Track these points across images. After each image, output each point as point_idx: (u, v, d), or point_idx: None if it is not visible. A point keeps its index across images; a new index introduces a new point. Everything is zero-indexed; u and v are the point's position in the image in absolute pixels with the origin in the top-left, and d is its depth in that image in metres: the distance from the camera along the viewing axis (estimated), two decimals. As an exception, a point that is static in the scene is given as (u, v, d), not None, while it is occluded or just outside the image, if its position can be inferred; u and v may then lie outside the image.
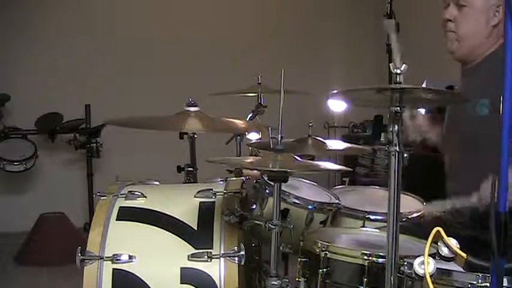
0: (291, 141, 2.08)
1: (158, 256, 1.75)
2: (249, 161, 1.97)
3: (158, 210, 1.84)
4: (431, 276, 1.23)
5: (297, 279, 1.72)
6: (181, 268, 1.70)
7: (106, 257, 1.72)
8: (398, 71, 1.27)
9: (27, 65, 4.84)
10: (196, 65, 5.08)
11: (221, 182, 2.03)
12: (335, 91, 1.36)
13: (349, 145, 2.41)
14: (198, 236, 1.76)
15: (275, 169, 1.60)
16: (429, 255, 1.24)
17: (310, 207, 2.02)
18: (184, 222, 1.79)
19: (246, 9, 5.40)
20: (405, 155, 1.30)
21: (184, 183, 2.46)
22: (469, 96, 1.73)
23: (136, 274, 1.70)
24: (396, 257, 1.31)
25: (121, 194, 1.91)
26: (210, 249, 1.73)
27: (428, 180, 2.24)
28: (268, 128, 1.84)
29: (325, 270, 1.62)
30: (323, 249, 1.63)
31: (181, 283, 1.69)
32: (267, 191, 2.05)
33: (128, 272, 1.71)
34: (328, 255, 1.62)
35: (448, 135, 2.14)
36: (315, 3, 5.59)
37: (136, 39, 5.01)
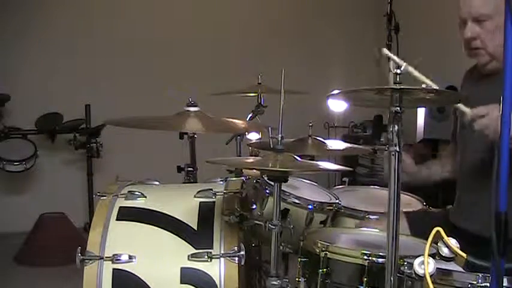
0: (291, 141, 2.08)
1: (158, 256, 1.75)
2: (249, 161, 1.97)
3: (158, 210, 1.84)
4: (431, 276, 1.23)
5: (297, 279, 1.73)
6: (181, 268, 1.70)
7: (106, 257, 1.71)
8: (399, 71, 1.27)
9: (27, 65, 4.84)
10: (196, 65, 5.08)
11: (221, 182, 2.03)
12: (335, 91, 1.36)
13: (349, 145, 2.41)
14: (198, 236, 1.76)
15: (275, 169, 1.59)
16: (429, 255, 1.24)
17: (310, 207, 2.02)
18: (184, 222, 1.79)
19: (246, 9, 5.40)
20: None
21: (184, 183, 2.45)
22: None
23: (136, 274, 1.70)
24: (396, 257, 1.31)
25: (121, 194, 1.91)
26: (210, 249, 1.72)
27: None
28: (268, 128, 1.84)
29: (325, 270, 1.62)
30: (323, 249, 1.63)
31: (181, 283, 1.69)
32: (267, 191, 2.04)
33: (128, 272, 1.70)
34: (328, 255, 1.62)
35: (469, 136, 1.98)
36: (315, 3, 5.59)
37: (137, 39, 5.00)
